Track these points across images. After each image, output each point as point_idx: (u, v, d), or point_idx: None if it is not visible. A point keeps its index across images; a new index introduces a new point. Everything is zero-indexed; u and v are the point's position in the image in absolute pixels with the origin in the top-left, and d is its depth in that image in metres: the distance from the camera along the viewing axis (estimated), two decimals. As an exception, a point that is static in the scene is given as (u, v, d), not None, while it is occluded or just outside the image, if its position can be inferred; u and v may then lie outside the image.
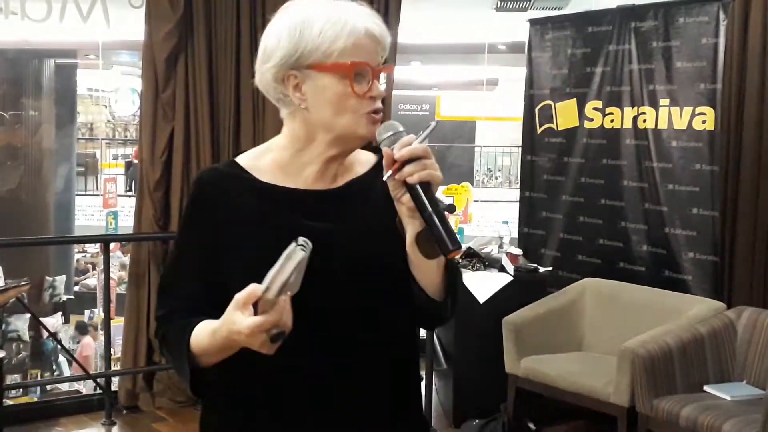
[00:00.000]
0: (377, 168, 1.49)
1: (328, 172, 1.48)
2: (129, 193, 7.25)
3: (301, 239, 1.26)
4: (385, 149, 1.35)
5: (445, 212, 1.32)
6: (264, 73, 1.44)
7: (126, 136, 10.17)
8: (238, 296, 1.27)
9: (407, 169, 1.32)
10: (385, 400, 1.48)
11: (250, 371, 1.41)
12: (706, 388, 3.74)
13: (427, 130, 1.40)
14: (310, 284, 1.28)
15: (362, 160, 1.53)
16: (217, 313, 1.34)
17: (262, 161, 1.49)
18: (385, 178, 1.34)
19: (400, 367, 1.51)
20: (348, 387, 1.43)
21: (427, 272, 1.41)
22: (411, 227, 1.36)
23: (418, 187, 1.32)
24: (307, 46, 1.38)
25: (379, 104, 1.43)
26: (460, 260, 4.56)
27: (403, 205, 1.35)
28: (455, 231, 1.34)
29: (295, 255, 1.25)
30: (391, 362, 1.48)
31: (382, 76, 1.46)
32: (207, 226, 1.44)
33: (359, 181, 1.50)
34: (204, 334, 1.37)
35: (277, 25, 1.42)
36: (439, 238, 1.30)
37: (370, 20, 1.41)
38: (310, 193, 1.46)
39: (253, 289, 1.26)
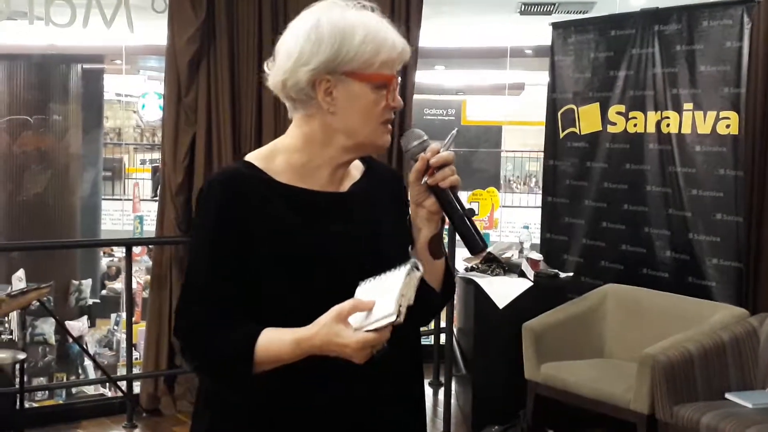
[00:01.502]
0: (368, 174, 1.58)
1: (336, 176, 1.51)
2: (156, 198, 7.30)
3: (414, 260, 1.34)
4: (422, 155, 1.45)
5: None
6: (298, 75, 1.45)
7: (154, 141, 10.26)
8: (341, 309, 1.32)
9: (439, 174, 1.43)
10: (396, 399, 1.51)
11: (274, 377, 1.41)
12: (727, 395, 3.68)
13: (450, 137, 1.54)
14: (335, 287, 1.36)
15: (356, 165, 1.58)
16: (245, 314, 1.40)
17: (275, 162, 1.49)
18: (423, 182, 1.45)
19: (412, 365, 1.57)
20: (366, 383, 1.44)
21: (432, 270, 1.51)
22: (427, 230, 1.49)
23: (448, 191, 1.44)
24: (348, 53, 1.42)
25: (391, 114, 1.50)
26: (479, 265, 4.54)
27: (424, 209, 1.47)
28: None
29: (413, 276, 1.31)
30: (405, 359, 1.53)
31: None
32: (234, 228, 1.43)
33: (359, 185, 1.55)
34: (280, 343, 1.37)
35: (309, 29, 1.45)
36: (469, 238, 1.42)
37: (399, 37, 1.49)
38: (325, 195, 1.49)
39: (356, 303, 1.32)
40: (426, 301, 1.45)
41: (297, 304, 1.41)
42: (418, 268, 1.31)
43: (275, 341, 1.37)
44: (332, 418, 1.44)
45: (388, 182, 1.60)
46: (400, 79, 1.51)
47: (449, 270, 1.57)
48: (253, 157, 1.51)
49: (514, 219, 8.66)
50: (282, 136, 1.53)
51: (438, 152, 1.44)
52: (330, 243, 1.43)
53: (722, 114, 4.16)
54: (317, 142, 1.48)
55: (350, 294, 1.36)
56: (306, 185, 1.48)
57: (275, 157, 1.50)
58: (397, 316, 1.28)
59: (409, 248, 1.51)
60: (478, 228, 1.43)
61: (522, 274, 4.51)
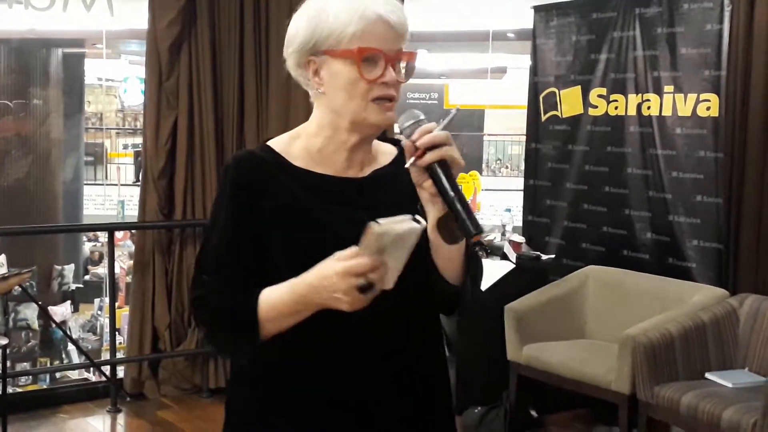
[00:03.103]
0: (399, 158, 1.51)
1: (354, 161, 1.51)
2: (138, 183, 7.27)
3: (414, 216, 1.33)
4: (405, 141, 1.38)
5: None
6: (288, 59, 1.50)
7: (136, 126, 10.19)
8: (339, 252, 1.32)
9: (428, 156, 1.35)
10: (410, 386, 1.50)
11: (288, 350, 1.45)
12: (707, 375, 3.73)
13: (447, 117, 1.43)
14: None
15: (386, 151, 1.56)
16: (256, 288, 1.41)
17: (293, 147, 1.51)
18: (407, 165, 1.37)
19: (425, 351, 1.55)
20: (377, 368, 1.46)
21: (447, 257, 1.43)
22: (432, 212, 1.39)
23: (440, 172, 1.36)
24: (323, 32, 1.43)
25: (390, 91, 1.43)
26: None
27: (425, 190, 1.39)
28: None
29: (409, 223, 1.31)
30: (417, 347, 1.52)
31: (402, 63, 1.46)
32: (248, 209, 1.46)
33: (384, 171, 1.53)
34: (278, 292, 1.40)
35: (300, 12, 1.49)
36: (461, 223, 1.33)
37: (386, 6, 1.42)
38: (342, 180, 1.49)
39: (357, 252, 1.30)
40: (437, 286, 1.45)
41: None
42: (417, 221, 1.31)
43: (275, 290, 1.40)
44: (342, 398, 1.46)
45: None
46: (400, 51, 1.43)
47: (471, 257, 1.45)
48: (274, 141, 1.53)
49: (496, 202, 8.68)
50: (307, 122, 1.55)
51: (428, 133, 1.36)
52: (340, 226, 1.40)
53: (703, 96, 4.18)
54: (326, 125, 1.49)
55: None
56: (322, 170, 1.49)
57: (294, 142, 1.52)
58: (374, 227, 1.27)
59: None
60: (473, 212, 1.35)
61: (504, 257, 4.53)
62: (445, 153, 1.35)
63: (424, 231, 1.36)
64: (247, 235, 1.45)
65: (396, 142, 1.57)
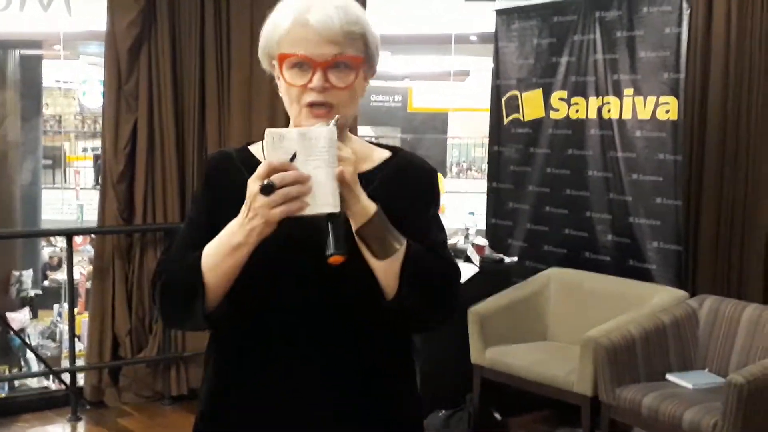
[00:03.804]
0: (382, 166, 1.52)
1: None
2: (98, 187, 7.18)
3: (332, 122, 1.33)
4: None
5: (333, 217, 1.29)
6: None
7: (95, 129, 10.06)
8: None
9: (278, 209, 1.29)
10: (353, 392, 1.47)
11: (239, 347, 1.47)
12: (668, 376, 3.76)
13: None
14: (293, 266, 1.39)
15: (373, 158, 1.54)
16: None
17: None
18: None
19: (376, 365, 1.49)
20: (321, 374, 1.44)
21: (377, 269, 1.38)
22: (353, 223, 1.35)
23: None
24: (266, 37, 1.46)
25: (319, 97, 1.41)
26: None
27: None
28: (345, 236, 1.29)
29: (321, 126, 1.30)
30: (365, 362, 1.47)
31: (339, 68, 1.42)
32: (211, 203, 1.50)
33: (362, 175, 1.47)
34: (214, 239, 1.39)
35: None
36: (327, 238, 1.28)
37: (318, 12, 1.40)
38: None
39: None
40: (380, 296, 1.41)
41: (254, 278, 1.41)
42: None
43: (215, 239, 1.40)
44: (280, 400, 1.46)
45: (403, 176, 1.52)
46: (334, 56, 1.40)
47: (406, 273, 1.38)
48: (257, 142, 1.54)
49: (460, 204, 8.69)
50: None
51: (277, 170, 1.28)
52: (290, 224, 1.33)
53: (662, 99, 4.22)
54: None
55: (310, 275, 1.40)
56: None
57: None
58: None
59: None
60: (343, 232, 1.28)
61: (468, 260, 4.53)
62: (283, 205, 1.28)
63: None
64: (212, 227, 1.43)
65: (394, 150, 1.56)
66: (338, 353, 1.45)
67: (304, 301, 1.43)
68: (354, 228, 1.34)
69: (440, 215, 1.56)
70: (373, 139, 1.69)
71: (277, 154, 1.28)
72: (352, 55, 1.42)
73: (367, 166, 1.51)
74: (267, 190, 1.26)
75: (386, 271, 1.37)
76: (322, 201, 1.28)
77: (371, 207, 1.35)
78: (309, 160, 1.28)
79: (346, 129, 1.51)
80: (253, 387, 1.47)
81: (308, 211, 1.28)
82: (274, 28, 1.44)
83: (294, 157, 1.28)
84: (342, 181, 1.30)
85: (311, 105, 1.42)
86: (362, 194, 1.35)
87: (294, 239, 1.37)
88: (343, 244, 1.27)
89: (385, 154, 1.55)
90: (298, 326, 1.44)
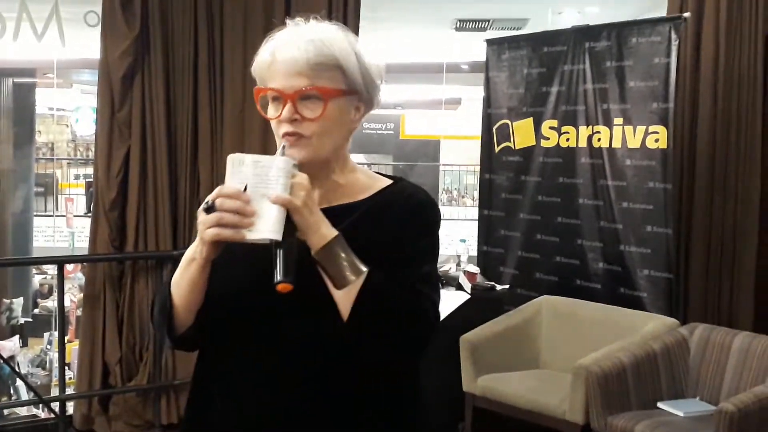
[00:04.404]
0: (373, 196, 1.53)
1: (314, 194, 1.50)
2: (90, 214, 7.18)
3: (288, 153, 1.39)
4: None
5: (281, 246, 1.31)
6: None
7: (88, 156, 10.07)
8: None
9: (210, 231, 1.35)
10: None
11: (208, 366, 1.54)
12: (659, 404, 3.76)
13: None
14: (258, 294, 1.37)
15: (372, 188, 1.54)
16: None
17: None
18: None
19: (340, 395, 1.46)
20: (286, 401, 1.44)
21: (335, 296, 1.39)
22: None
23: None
24: (254, 75, 1.52)
25: (290, 128, 1.45)
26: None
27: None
28: (294, 264, 1.31)
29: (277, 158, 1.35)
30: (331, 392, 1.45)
31: (309, 99, 1.45)
32: None
33: (346, 207, 1.50)
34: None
35: None
36: (276, 266, 1.31)
37: (287, 46, 1.45)
38: None
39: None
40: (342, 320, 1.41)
41: (219, 294, 1.47)
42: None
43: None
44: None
45: (391, 206, 1.50)
46: (305, 88, 1.43)
47: (359, 306, 1.37)
48: None
49: (452, 232, 8.71)
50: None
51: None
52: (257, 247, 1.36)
53: (651, 128, 4.26)
54: None
55: (274, 312, 1.42)
56: None
57: None
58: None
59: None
60: (292, 261, 1.30)
61: (459, 287, 4.54)
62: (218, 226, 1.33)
63: None
64: None
65: (395, 181, 1.57)
66: (296, 365, 1.45)
67: (272, 310, 1.43)
68: (312, 253, 1.36)
69: (433, 248, 1.52)
70: (380, 170, 1.70)
71: (233, 179, 1.33)
72: (320, 87, 1.44)
73: (361, 196, 1.52)
74: (207, 210, 1.33)
75: (341, 299, 1.38)
76: (266, 228, 1.31)
77: (328, 236, 1.36)
78: (259, 187, 1.32)
79: (338, 159, 1.52)
80: (217, 393, 1.51)
81: (253, 237, 1.32)
82: (256, 66, 1.50)
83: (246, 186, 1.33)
84: (291, 209, 1.33)
85: (284, 135, 1.46)
86: (321, 222, 1.37)
87: (261, 259, 1.37)
88: (290, 272, 1.30)
89: (384, 184, 1.56)
90: (259, 339, 1.46)
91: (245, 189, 1.32)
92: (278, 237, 1.31)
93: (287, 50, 1.45)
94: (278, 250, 1.31)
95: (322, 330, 1.42)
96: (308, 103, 1.44)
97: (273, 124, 1.49)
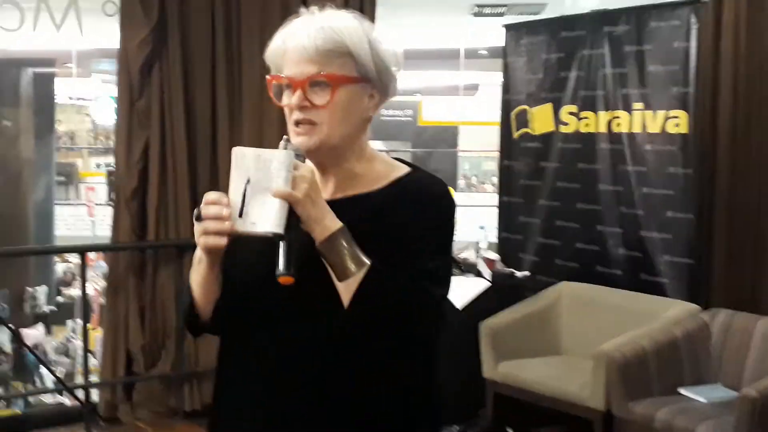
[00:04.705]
0: (387, 187, 1.51)
1: (327, 183, 1.52)
2: (110, 203, 7.23)
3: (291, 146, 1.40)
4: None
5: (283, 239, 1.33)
6: None
7: (108, 145, 10.12)
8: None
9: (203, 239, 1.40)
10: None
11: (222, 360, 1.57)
12: (681, 390, 3.75)
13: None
14: (270, 287, 1.36)
15: (388, 178, 1.52)
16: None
17: None
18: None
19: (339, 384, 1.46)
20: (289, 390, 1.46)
21: (338, 287, 1.39)
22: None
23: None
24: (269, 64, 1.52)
25: (299, 115, 1.46)
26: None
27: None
28: (296, 258, 1.33)
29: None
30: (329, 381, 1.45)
31: (318, 86, 1.45)
32: None
33: (359, 197, 1.50)
34: None
35: None
36: (279, 258, 1.33)
37: (297, 34, 1.46)
38: None
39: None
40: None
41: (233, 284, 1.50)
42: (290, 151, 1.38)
43: None
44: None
45: (401, 198, 1.48)
46: (316, 74, 1.44)
47: (358, 298, 1.37)
48: None
49: (472, 218, 8.68)
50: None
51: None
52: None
53: (671, 113, 4.23)
54: None
55: (282, 303, 1.43)
56: None
57: None
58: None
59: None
60: (293, 255, 1.32)
61: (479, 274, 4.55)
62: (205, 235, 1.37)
63: None
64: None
65: (413, 170, 1.55)
66: (293, 369, 1.45)
67: (276, 304, 1.45)
68: (316, 245, 1.38)
69: (442, 243, 1.49)
70: (401, 156, 1.68)
71: (238, 173, 1.35)
72: (329, 74, 1.44)
73: (376, 186, 1.51)
74: (196, 218, 1.37)
75: (343, 290, 1.38)
76: (267, 221, 1.32)
77: (331, 228, 1.37)
78: (262, 181, 1.33)
79: (353, 147, 1.51)
80: (227, 382, 1.55)
81: (255, 230, 1.33)
82: (269, 53, 1.51)
83: (249, 180, 1.34)
84: (292, 202, 1.33)
85: (296, 123, 1.47)
86: (325, 214, 1.37)
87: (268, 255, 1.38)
88: (291, 265, 1.32)
89: (400, 173, 1.54)
90: (271, 328, 1.47)
91: (248, 182, 1.34)
92: (280, 230, 1.32)
93: (298, 38, 1.45)
94: (281, 243, 1.33)
95: (319, 334, 1.43)
96: (318, 90, 1.45)
97: (286, 111, 1.49)
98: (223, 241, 1.35)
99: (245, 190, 1.34)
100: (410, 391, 1.50)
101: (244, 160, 1.35)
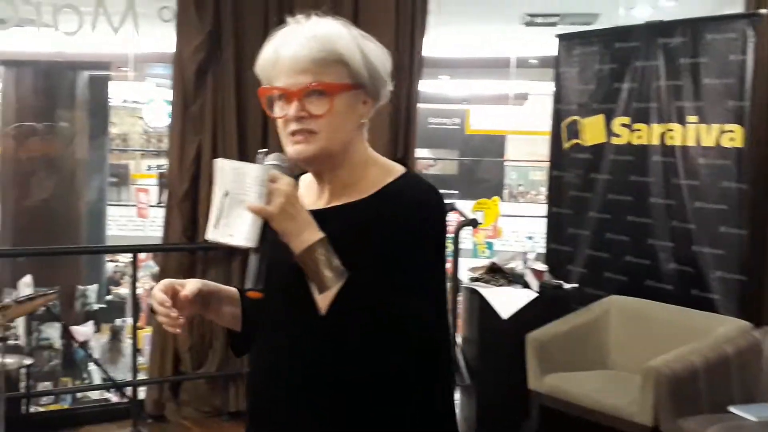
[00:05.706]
0: (375, 195, 1.49)
1: (323, 191, 1.54)
2: (161, 204, 7.35)
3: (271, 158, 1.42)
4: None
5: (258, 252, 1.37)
6: None
7: (160, 147, 10.29)
8: None
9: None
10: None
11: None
12: (731, 408, 3.69)
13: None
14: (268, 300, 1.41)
15: (374, 184, 1.51)
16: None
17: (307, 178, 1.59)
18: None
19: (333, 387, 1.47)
20: (282, 393, 1.51)
21: (317, 301, 1.40)
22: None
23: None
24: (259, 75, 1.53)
25: (295, 126, 1.46)
26: (484, 275, 4.55)
27: None
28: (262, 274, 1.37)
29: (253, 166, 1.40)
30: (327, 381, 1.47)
31: (315, 95, 1.45)
32: None
33: (349, 206, 1.50)
34: None
35: None
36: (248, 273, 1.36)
37: (288, 44, 1.47)
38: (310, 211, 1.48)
39: None
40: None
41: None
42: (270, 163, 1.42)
43: None
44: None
45: (383, 211, 1.46)
46: (310, 84, 1.44)
47: (332, 311, 1.39)
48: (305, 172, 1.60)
49: (519, 228, 8.64)
50: None
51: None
52: (278, 251, 1.39)
53: (726, 127, 4.17)
54: None
55: (273, 307, 1.49)
56: (306, 200, 1.49)
57: None
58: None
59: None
60: (263, 270, 1.36)
61: (526, 285, 4.52)
62: None
63: None
64: None
65: (402, 175, 1.53)
66: (292, 372, 1.50)
67: (276, 310, 1.51)
68: (295, 257, 1.39)
69: (421, 255, 1.46)
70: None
71: (218, 184, 1.38)
72: (326, 82, 1.45)
73: (365, 194, 1.50)
74: (152, 312, 1.51)
75: (320, 300, 1.39)
76: (242, 235, 1.35)
77: (308, 240, 1.37)
78: (238, 194, 1.36)
79: (347, 154, 1.50)
80: (250, 384, 1.68)
81: (231, 243, 1.36)
82: (260, 64, 1.51)
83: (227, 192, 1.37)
84: (266, 217, 1.35)
85: (293, 133, 1.47)
86: (303, 227, 1.38)
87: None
88: (260, 281, 1.35)
89: (389, 180, 1.51)
90: (272, 335, 1.55)
91: (226, 194, 1.36)
92: (252, 244, 1.35)
93: (290, 48, 1.45)
94: (254, 256, 1.36)
95: (311, 340, 1.46)
96: (314, 99, 1.45)
97: (279, 123, 1.49)
98: (178, 330, 1.53)
99: (222, 203, 1.36)
100: (409, 399, 1.46)
101: (222, 172, 1.38)
